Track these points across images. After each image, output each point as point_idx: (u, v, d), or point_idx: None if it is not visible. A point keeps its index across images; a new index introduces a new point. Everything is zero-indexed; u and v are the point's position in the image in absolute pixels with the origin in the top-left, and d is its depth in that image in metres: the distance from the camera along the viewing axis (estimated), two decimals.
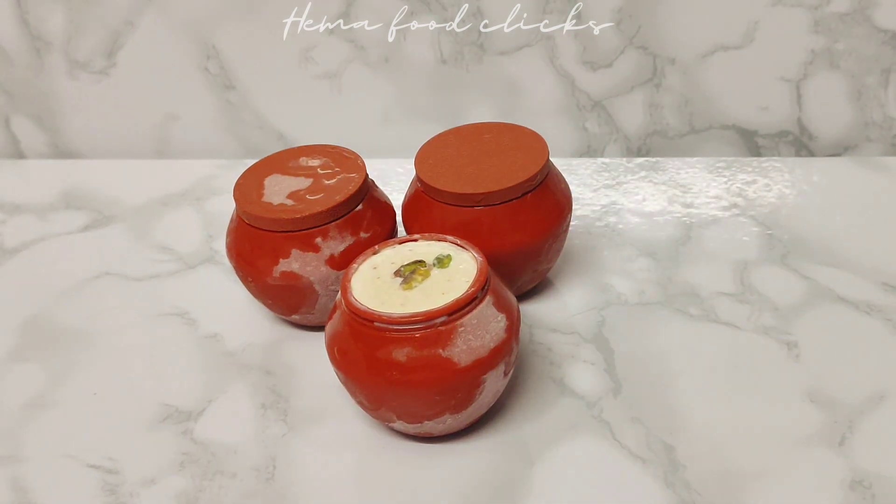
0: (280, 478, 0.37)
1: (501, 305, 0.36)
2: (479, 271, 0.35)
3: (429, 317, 0.33)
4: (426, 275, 0.36)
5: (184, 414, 0.40)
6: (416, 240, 0.38)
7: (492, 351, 0.35)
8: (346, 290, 0.36)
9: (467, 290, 0.34)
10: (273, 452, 0.38)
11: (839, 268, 0.47)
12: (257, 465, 0.37)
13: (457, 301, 0.34)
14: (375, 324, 0.34)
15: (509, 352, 0.36)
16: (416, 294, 0.35)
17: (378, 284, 0.36)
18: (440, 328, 0.33)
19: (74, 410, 0.41)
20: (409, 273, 0.36)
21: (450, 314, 0.33)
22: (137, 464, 0.38)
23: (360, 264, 0.37)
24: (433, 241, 0.38)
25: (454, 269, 0.36)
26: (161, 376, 0.43)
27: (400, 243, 0.38)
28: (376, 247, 0.38)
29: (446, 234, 0.38)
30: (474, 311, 0.34)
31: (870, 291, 0.44)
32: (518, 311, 0.37)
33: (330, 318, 0.37)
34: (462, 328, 0.34)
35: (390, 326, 0.33)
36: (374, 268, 0.37)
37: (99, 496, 0.36)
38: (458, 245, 0.37)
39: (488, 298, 0.35)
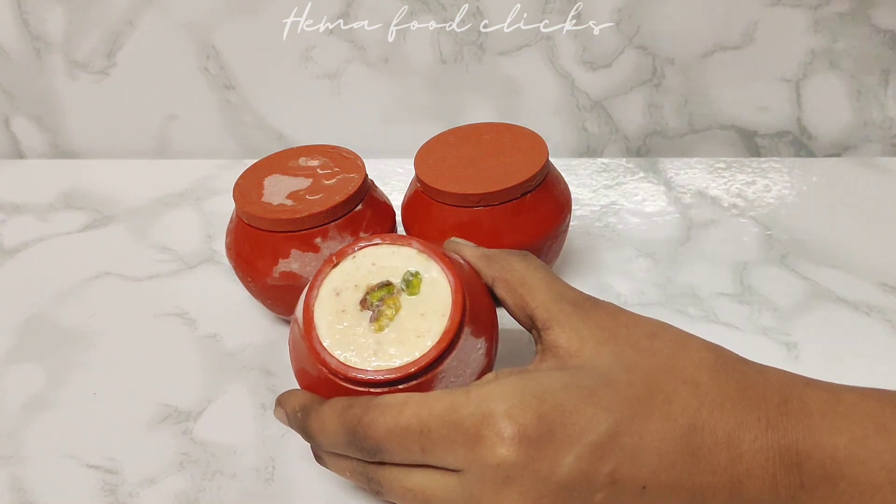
0: (279, 478, 0.37)
1: (479, 329, 0.32)
2: (454, 304, 0.31)
3: (406, 374, 0.30)
4: (396, 306, 0.32)
5: (183, 414, 0.40)
6: (377, 244, 0.34)
7: (472, 379, 0.32)
8: (310, 327, 0.32)
9: (444, 333, 0.31)
10: (273, 453, 0.38)
11: (839, 268, 0.47)
12: (257, 466, 0.37)
13: (435, 350, 0.31)
14: (347, 380, 0.31)
15: (489, 370, 0.33)
16: (388, 337, 0.31)
17: (345, 322, 0.32)
18: (420, 380, 0.31)
19: (74, 410, 0.41)
20: (377, 303, 0.32)
21: (428, 366, 0.30)
22: (137, 464, 0.38)
23: (318, 289, 0.33)
24: (395, 246, 0.34)
25: (425, 297, 0.32)
26: (161, 376, 0.43)
27: (359, 249, 0.34)
28: (334, 257, 0.34)
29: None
30: (454, 353, 0.31)
31: (869, 292, 0.45)
32: (496, 322, 0.34)
33: (291, 340, 0.34)
34: (442, 374, 0.31)
35: (364, 387, 0.31)
36: (337, 294, 0.33)
37: (99, 496, 0.36)
38: (423, 253, 0.33)
39: (466, 330, 0.31)
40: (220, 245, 0.53)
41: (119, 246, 0.54)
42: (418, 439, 0.28)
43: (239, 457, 0.38)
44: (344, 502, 0.35)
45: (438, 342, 0.31)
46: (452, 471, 0.28)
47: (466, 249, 0.36)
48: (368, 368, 0.31)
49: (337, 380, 0.31)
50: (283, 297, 0.42)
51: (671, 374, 0.28)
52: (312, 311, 0.32)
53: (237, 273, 0.43)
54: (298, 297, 0.41)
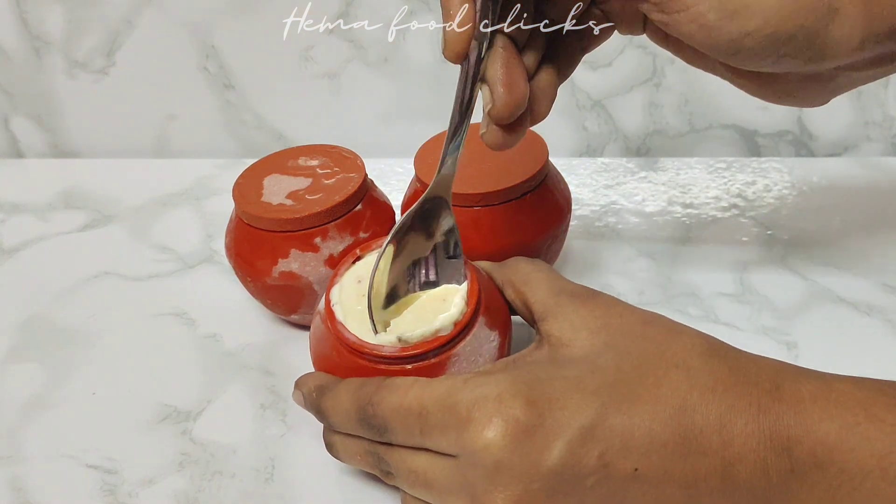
0: (279, 478, 0.37)
1: (494, 321, 0.34)
2: (471, 292, 0.33)
3: (421, 352, 0.32)
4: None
5: (183, 414, 0.40)
6: None
7: None
8: (331, 309, 0.34)
9: (460, 316, 0.32)
10: (272, 453, 0.38)
11: (839, 268, 0.47)
12: (256, 466, 0.37)
13: (450, 332, 0.32)
14: (364, 356, 0.32)
15: None
16: (406, 319, 0.33)
17: (364, 303, 0.33)
18: (432, 360, 0.32)
19: (74, 410, 0.41)
20: None
21: (442, 346, 0.32)
22: (137, 464, 0.38)
23: (341, 276, 0.35)
24: None
25: (444, 286, 0.34)
26: (160, 376, 0.43)
27: (382, 246, 0.35)
28: (358, 251, 0.36)
29: None
30: (468, 338, 0.33)
31: (869, 292, 0.44)
32: (510, 321, 0.36)
33: (313, 330, 0.35)
34: (455, 357, 0.32)
35: (381, 363, 0.32)
36: (359, 282, 0.35)
37: (98, 496, 0.36)
38: None
39: (481, 319, 0.33)
40: (220, 245, 0.53)
41: (119, 246, 0.54)
42: (417, 421, 0.29)
43: (239, 457, 0.38)
44: (343, 502, 0.35)
45: (454, 325, 0.32)
46: (451, 455, 0.29)
47: (480, 262, 0.37)
48: (385, 345, 0.32)
49: (354, 356, 0.33)
50: (282, 296, 0.42)
51: (662, 358, 0.29)
52: (333, 296, 0.34)
53: (237, 273, 0.43)
54: (298, 297, 0.42)
